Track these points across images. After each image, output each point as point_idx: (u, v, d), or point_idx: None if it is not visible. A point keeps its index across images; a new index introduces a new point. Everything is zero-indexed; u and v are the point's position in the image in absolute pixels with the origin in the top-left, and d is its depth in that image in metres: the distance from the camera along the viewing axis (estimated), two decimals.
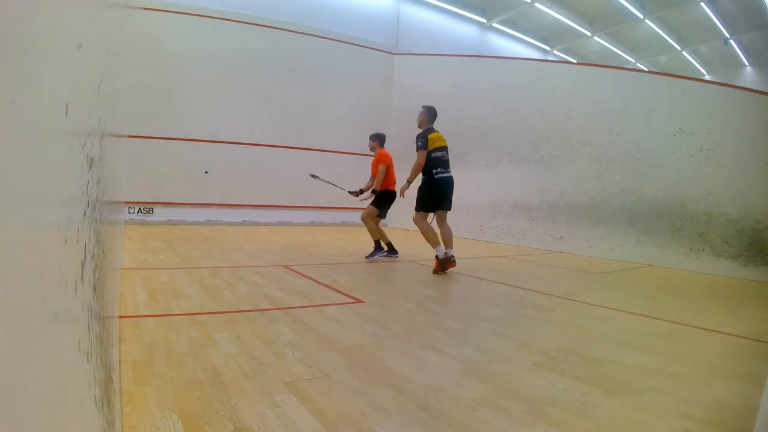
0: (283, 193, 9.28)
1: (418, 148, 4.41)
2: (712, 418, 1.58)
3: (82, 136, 0.63)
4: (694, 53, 15.29)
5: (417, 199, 4.50)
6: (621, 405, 1.65)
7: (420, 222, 4.46)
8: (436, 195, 4.44)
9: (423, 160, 4.39)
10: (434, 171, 4.42)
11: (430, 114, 4.66)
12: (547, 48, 15.20)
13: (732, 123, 5.33)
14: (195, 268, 4.01)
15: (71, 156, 0.56)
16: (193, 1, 8.41)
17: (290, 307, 2.83)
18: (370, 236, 5.30)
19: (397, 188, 4.91)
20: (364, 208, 5.36)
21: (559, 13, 12.80)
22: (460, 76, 9.11)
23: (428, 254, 5.31)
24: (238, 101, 8.90)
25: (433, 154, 4.43)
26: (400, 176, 5.13)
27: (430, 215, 4.53)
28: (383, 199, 5.23)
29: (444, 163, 4.48)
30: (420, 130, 4.61)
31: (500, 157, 8.13)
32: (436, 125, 4.69)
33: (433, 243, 4.38)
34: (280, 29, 9.22)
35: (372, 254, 5.15)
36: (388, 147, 5.52)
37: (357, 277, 4.08)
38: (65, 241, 0.50)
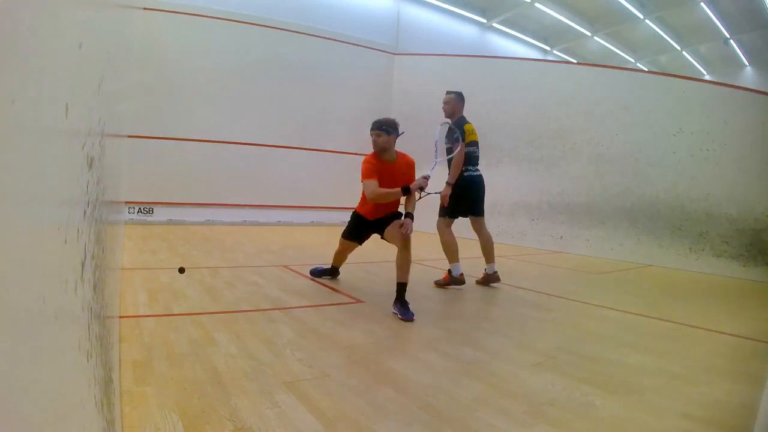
0: (283, 193, 9.27)
1: (455, 140, 3.78)
2: (712, 418, 1.58)
3: (82, 136, 0.63)
4: (694, 53, 15.28)
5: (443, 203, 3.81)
6: (621, 405, 1.65)
7: (443, 230, 3.78)
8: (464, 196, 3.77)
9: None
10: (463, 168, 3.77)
11: (461, 99, 4.16)
12: (547, 48, 15.19)
13: (732, 123, 5.33)
14: (195, 268, 4.01)
15: (71, 156, 0.56)
16: (193, 0, 8.41)
17: (290, 307, 2.83)
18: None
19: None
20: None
21: (559, 13, 12.79)
22: (460, 76, 9.08)
23: (427, 254, 5.31)
24: (238, 101, 8.89)
25: (468, 149, 3.81)
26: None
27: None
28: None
29: (475, 160, 3.94)
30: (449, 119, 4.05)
31: (500, 157, 8.12)
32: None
33: (452, 257, 3.72)
34: (280, 29, 9.21)
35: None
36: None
37: (357, 277, 4.08)
38: (65, 241, 0.50)
